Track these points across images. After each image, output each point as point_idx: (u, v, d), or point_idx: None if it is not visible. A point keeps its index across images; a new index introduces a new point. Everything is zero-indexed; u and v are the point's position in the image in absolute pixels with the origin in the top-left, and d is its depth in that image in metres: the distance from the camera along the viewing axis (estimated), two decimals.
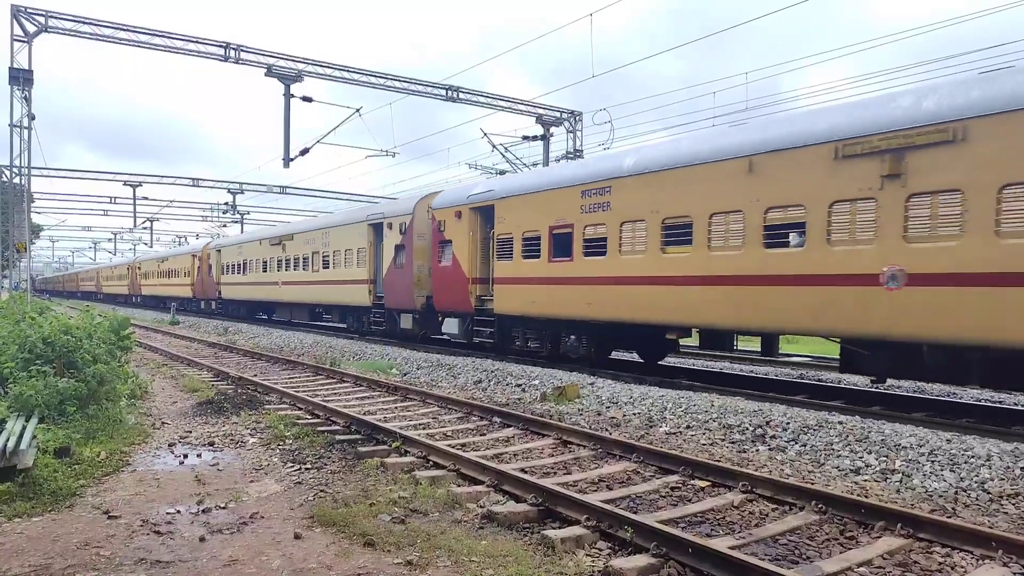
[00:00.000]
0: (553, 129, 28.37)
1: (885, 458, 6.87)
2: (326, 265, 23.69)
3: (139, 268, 52.41)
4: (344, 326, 24.13)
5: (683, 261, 10.94)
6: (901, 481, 6.43)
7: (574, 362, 13.81)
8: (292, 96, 22.81)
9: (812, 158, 9.23)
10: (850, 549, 4.83)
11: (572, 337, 14.09)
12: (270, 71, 22.63)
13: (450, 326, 16.85)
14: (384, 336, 20.51)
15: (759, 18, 16.62)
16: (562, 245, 13.35)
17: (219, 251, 35.61)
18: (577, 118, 28.39)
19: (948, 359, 8.53)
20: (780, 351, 14.29)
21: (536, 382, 11.81)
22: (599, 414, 9.68)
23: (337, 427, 8.74)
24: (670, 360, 16.06)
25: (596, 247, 12.55)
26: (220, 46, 22.43)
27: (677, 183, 11.07)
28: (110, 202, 50.78)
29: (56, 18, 20.97)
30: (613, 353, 15.13)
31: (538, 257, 13.92)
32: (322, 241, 24.02)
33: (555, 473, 6.76)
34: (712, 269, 10.48)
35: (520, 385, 11.89)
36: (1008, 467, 6.28)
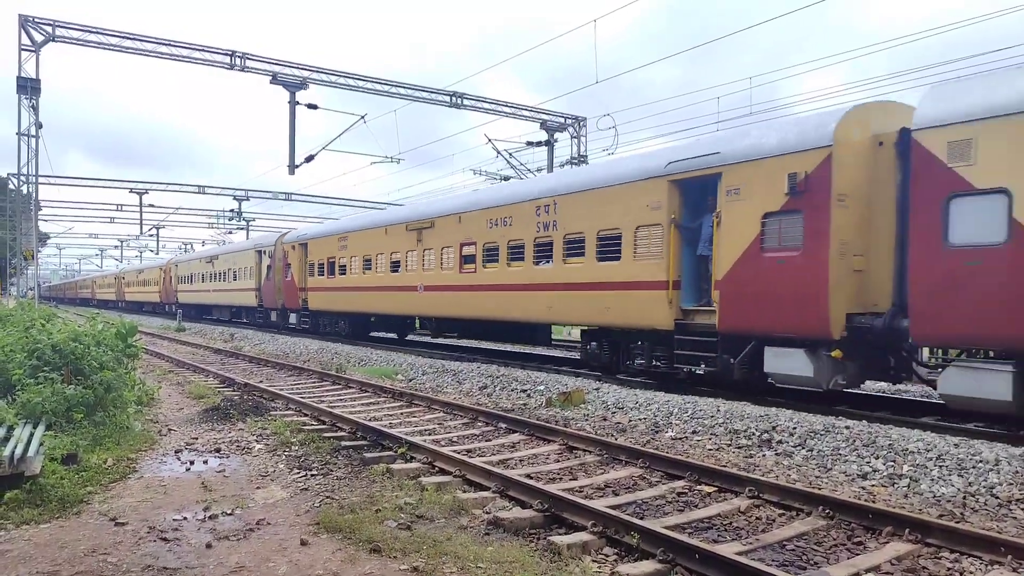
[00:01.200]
0: (557, 135, 28.41)
1: (892, 463, 6.84)
2: (235, 278, 32.17)
3: (123, 278, 61.09)
4: (246, 321, 32.87)
5: (369, 278, 20.47)
6: (909, 486, 6.40)
7: (346, 338, 22.31)
8: (297, 103, 22.92)
9: (401, 229, 18.76)
10: (858, 555, 4.81)
11: (342, 323, 23.08)
12: (275, 79, 22.75)
13: (292, 319, 26.30)
14: (262, 327, 29.62)
15: (759, 24, 16.69)
16: (331, 267, 22.89)
17: (177, 265, 43.56)
18: (581, 124, 28.42)
19: (444, 324, 17.96)
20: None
21: (542, 387, 11.80)
22: (605, 419, 9.67)
23: (343, 433, 8.75)
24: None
25: (343, 270, 22.12)
26: (226, 54, 22.56)
27: (368, 238, 20.69)
28: (116, 209, 51.15)
29: (63, 27, 21.13)
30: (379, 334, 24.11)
31: (323, 275, 23.42)
32: (232, 261, 32.69)
33: (561, 479, 6.75)
34: (378, 283, 19.90)
35: (525, 390, 11.89)
36: (1017, 472, 6.23)
